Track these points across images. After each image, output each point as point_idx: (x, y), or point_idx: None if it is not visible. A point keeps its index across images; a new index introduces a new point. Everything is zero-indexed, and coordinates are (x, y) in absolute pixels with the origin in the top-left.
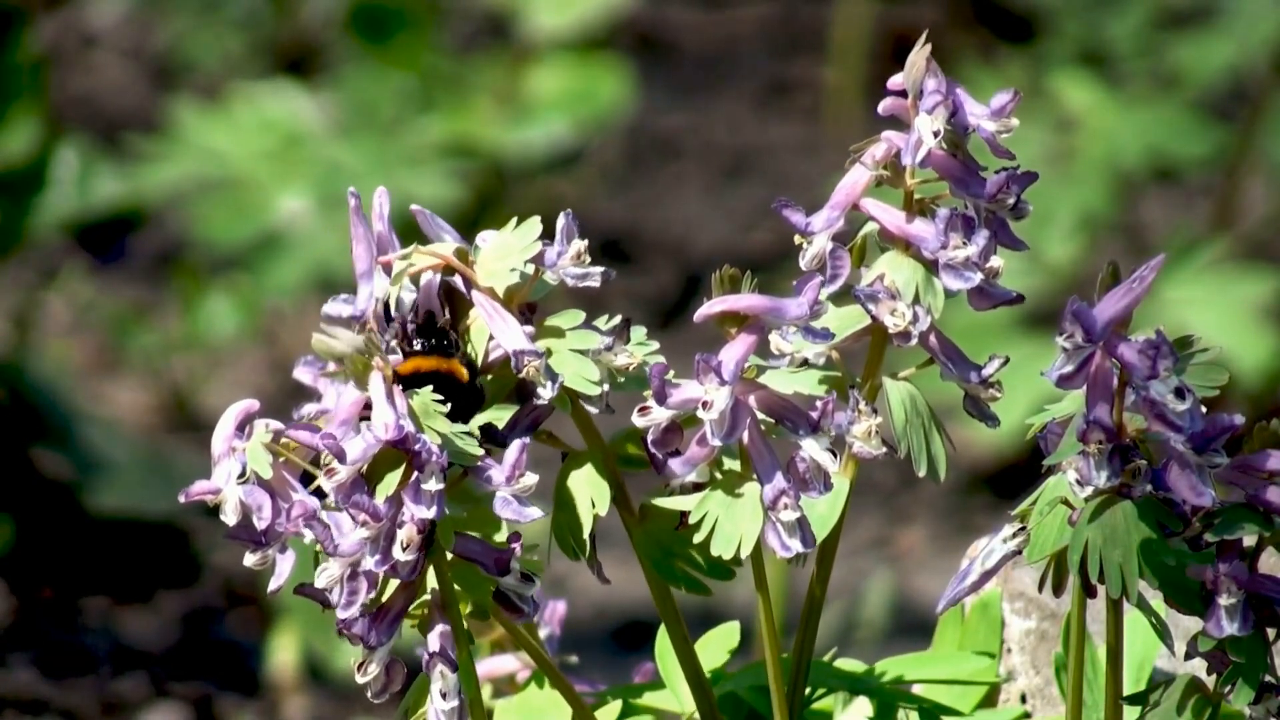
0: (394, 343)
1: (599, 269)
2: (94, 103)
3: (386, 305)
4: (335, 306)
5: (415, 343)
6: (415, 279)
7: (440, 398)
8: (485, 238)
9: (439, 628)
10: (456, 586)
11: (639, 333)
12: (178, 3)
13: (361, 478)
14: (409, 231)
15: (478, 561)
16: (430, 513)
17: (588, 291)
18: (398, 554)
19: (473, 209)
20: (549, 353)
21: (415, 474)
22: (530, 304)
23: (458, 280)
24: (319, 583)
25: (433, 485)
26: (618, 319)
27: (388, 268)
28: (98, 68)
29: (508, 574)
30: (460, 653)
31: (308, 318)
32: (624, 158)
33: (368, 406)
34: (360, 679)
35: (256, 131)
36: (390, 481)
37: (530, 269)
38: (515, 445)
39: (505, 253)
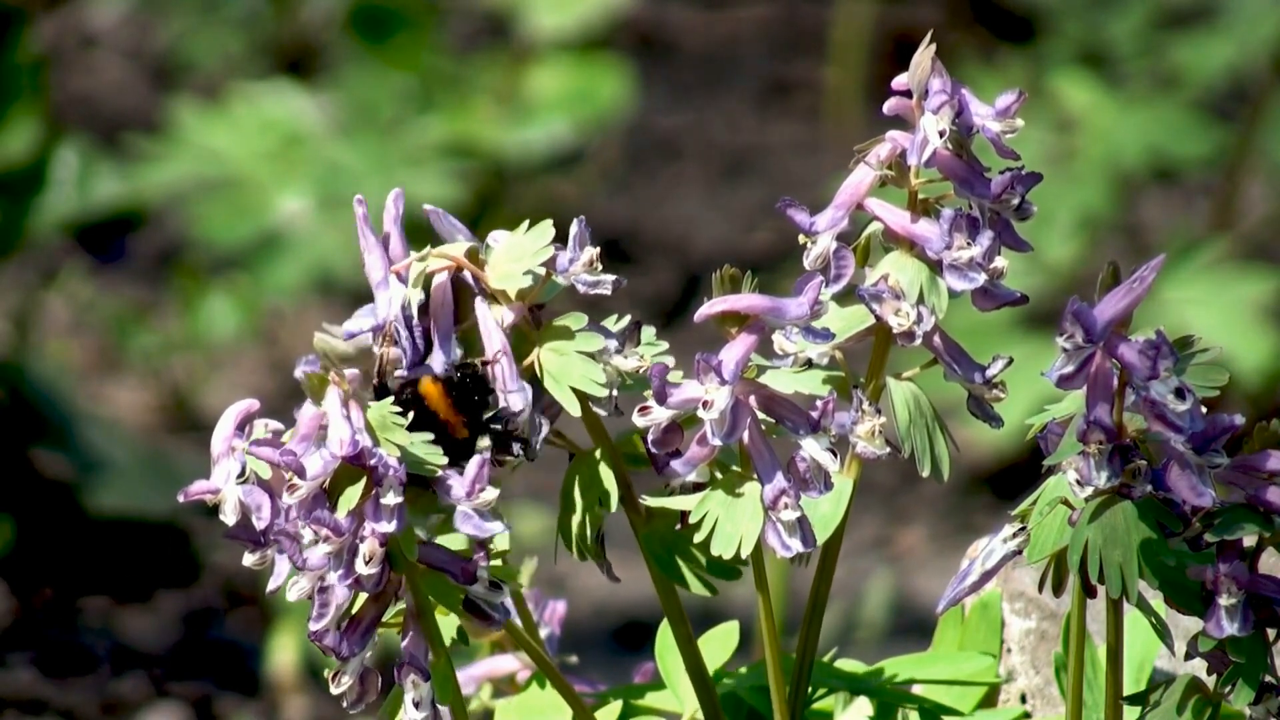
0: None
1: (610, 277)
2: (94, 103)
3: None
4: (358, 322)
5: (455, 383)
6: (428, 281)
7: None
8: (497, 238)
9: (410, 637)
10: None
11: (648, 333)
12: (178, 3)
13: (324, 492)
14: (415, 231)
15: (445, 570)
16: (390, 527)
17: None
18: (360, 568)
19: (473, 209)
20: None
21: (375, 489)
22: (538, 304)
23: (466, 276)
24: (291, 596)
25: (391, 499)
26: (627, 319)
27: (401, 276)
28: (98, 68)
29: (475, 583)
30: (437, 659)
31: (308, 318)
32: (624, 158)
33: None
34: (334, 690)
35: (256, 131)
36: (351, 496)
37: (541, 271)
38: (475, 460)
39: (518, 255)
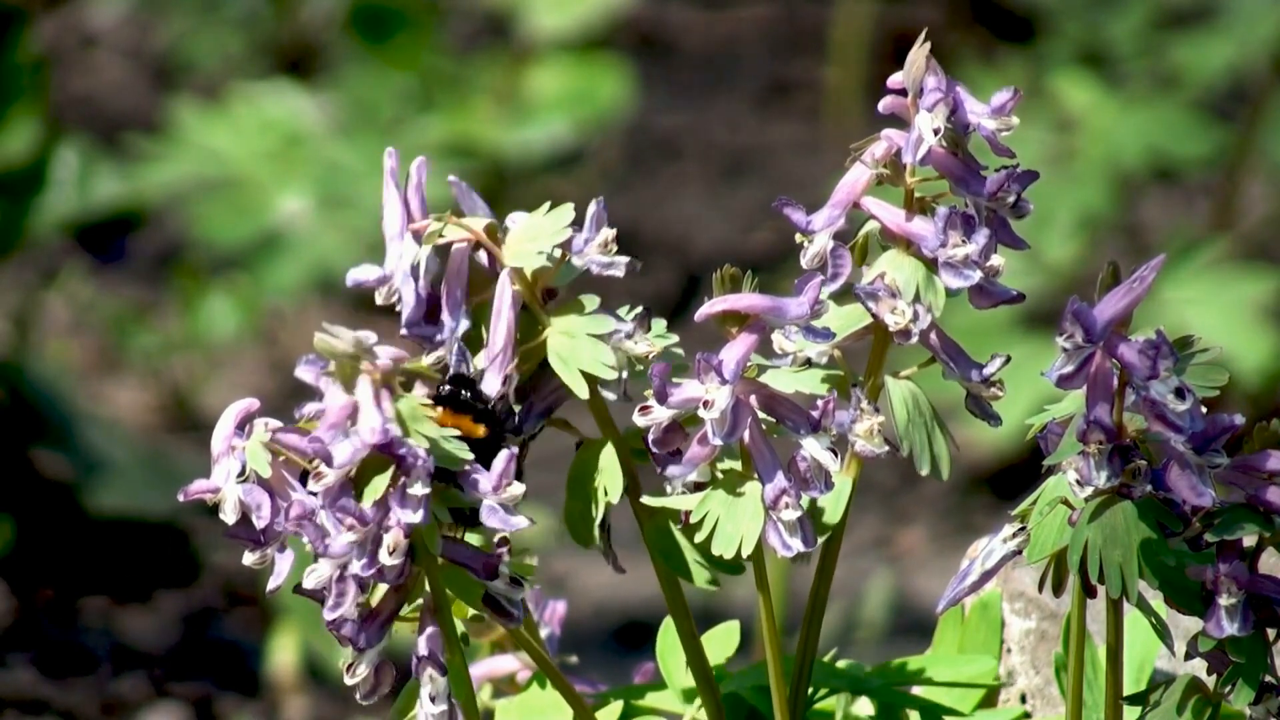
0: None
1: (624, 259)
2: (94, 103)
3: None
4: (362, 271)
5: (443, 396)
6: (441, 251)
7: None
8: (515, 218)
9: (429, 631)
10: (447, 590)
11: (659, 325)
12: (178, 3)
13: (350, 481)
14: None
15: (466, 565)
16: (416, 517)
17: (594, 288)
18: (384, 558)
19: None
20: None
21: (402, 479)
22: (551, 289)
23: (481, 255)
24: (308, 583)
25: (418, 490)
26: (640, 309)
27: (418, 235)
28: (98, 68)
29: (496, 578)
30: (453, 655)
31: (308, 318)
32: (624, 158)
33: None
34: (349, 680)
35: (256, 131)
36: (377, 486)
37: (558, 253)
38: (503, 455)
39: (535, 235)
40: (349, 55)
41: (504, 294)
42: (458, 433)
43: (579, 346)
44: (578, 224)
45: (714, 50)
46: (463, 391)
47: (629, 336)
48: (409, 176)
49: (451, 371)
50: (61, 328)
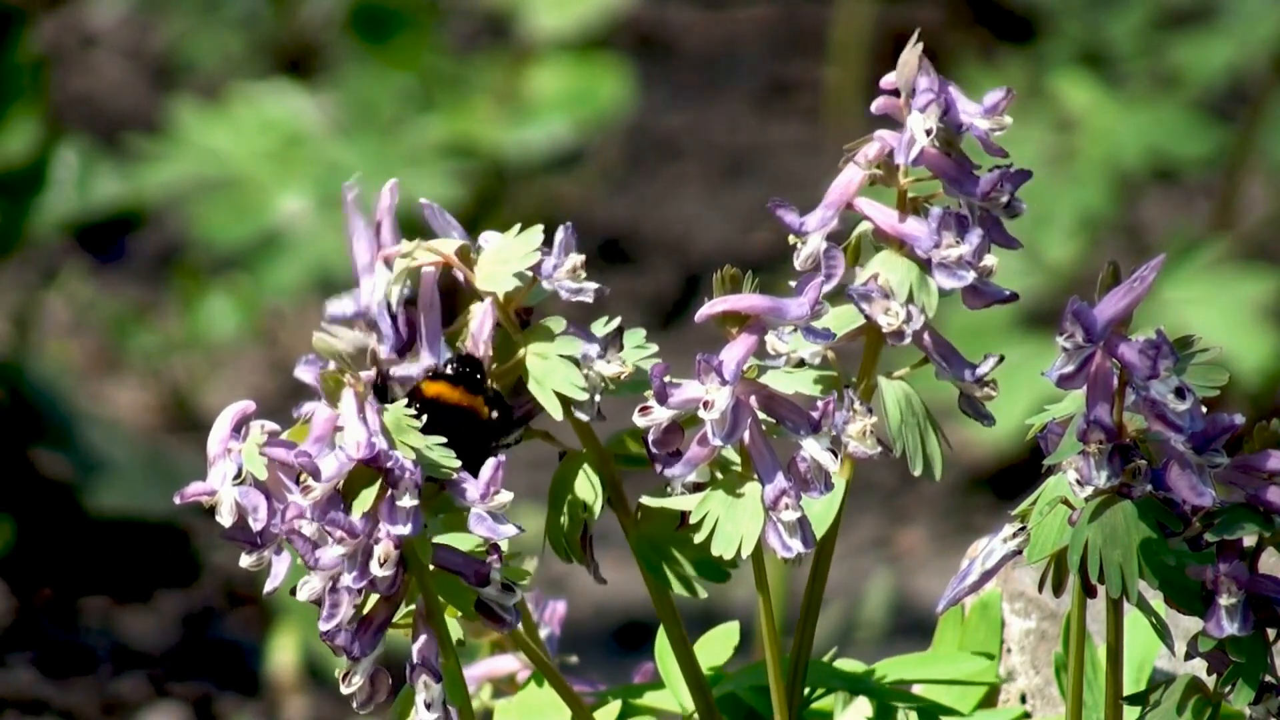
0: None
1: (592, 285)
2: (94, 103)
3: (392, 312)
4: (339, 305)
5: (447, 368)
6: (414, 276)
7: (454, 429)
8: (488, 239)
9: (422, 638)
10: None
11: (638, 335)
12: (178, 3)
13: (338, 493)
14: (413, 232)
15: (458, 572)
16: (406, 529)
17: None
18: (375, 570)
19: (473, 209)
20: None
21: (390, 491)
22: (527, 308)
23: (457, 275)
24: (301, 596)
25: (407, 502)
26: (611, 326)
27: (389, 262)
28: (98, 68)
29: (488, 585)
30: (447, 661)
31: (308, 318)
32: (624, 158)
33: None
34: (345, 689)
35: (256, 131)
36: (366, 498)
37: (529, 274)
38: (491, 463)
39: (505, 257)
40: (349, 55)
41: (484, 324)
42: (444, 440)
43: (551, 368)
44: (550, 244)
45: (714, 50)
46: (475, 373)
47: (600, 356)
48: (379, 200)
49: (389, 348)
50: (61, 328)
